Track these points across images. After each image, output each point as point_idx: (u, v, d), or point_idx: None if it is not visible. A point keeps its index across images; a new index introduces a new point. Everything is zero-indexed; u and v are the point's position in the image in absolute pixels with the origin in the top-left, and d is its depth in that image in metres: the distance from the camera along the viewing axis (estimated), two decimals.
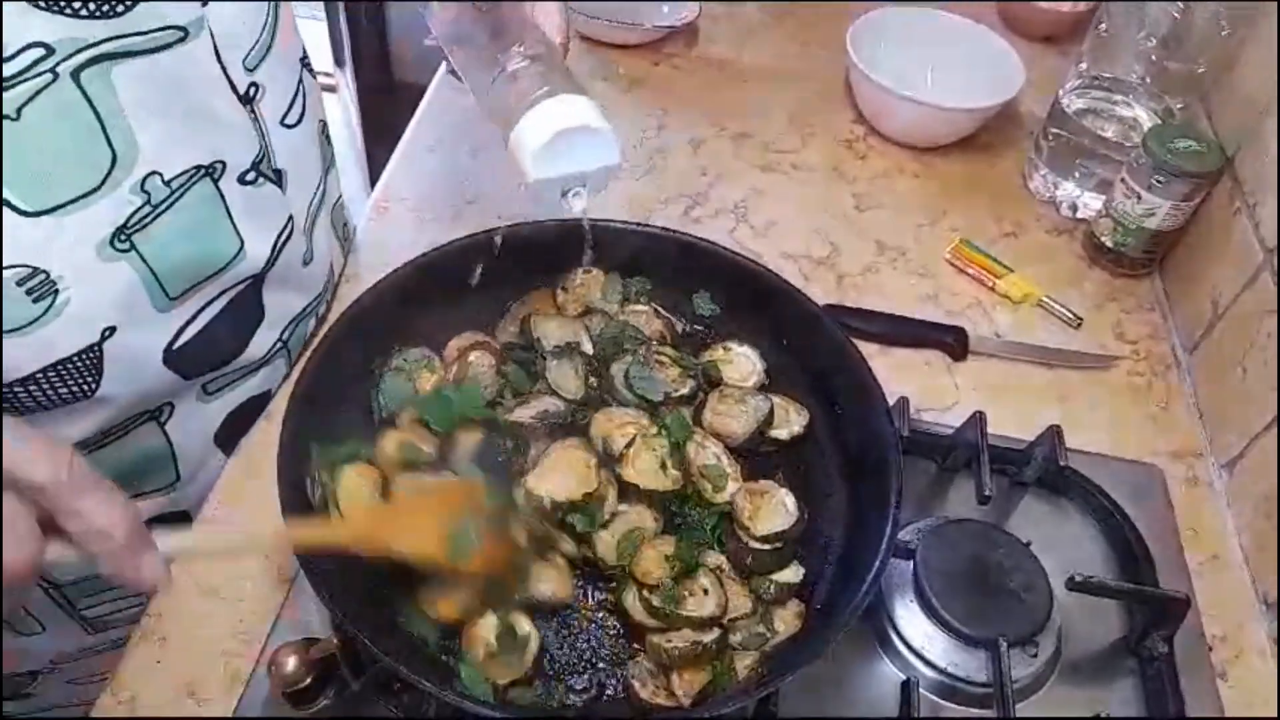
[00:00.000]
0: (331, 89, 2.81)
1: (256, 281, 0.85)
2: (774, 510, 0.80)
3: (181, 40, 0.69)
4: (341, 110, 2.67)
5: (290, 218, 0.86)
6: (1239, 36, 1.08)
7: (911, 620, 0.81)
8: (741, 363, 0.90)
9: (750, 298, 0.92)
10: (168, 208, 0.73)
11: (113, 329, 0.73)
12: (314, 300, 0.96)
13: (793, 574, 0.78)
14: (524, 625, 0.73)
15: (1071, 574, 0.81)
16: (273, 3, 0.82)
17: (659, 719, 0.69)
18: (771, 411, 0.85)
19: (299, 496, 0.73)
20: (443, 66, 1.34)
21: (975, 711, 0.79)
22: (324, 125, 0.98)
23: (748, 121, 1.32)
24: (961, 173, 1.27)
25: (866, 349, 0.91)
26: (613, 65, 1.38)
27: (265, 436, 0.91)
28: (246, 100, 0.79)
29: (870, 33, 1.29)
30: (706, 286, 0.94)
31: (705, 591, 0.75)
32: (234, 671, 0.77)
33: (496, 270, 0.90)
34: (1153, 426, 1.02)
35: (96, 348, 0.72)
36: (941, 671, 0.79)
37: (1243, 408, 0.95)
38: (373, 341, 0.85)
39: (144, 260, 0.72)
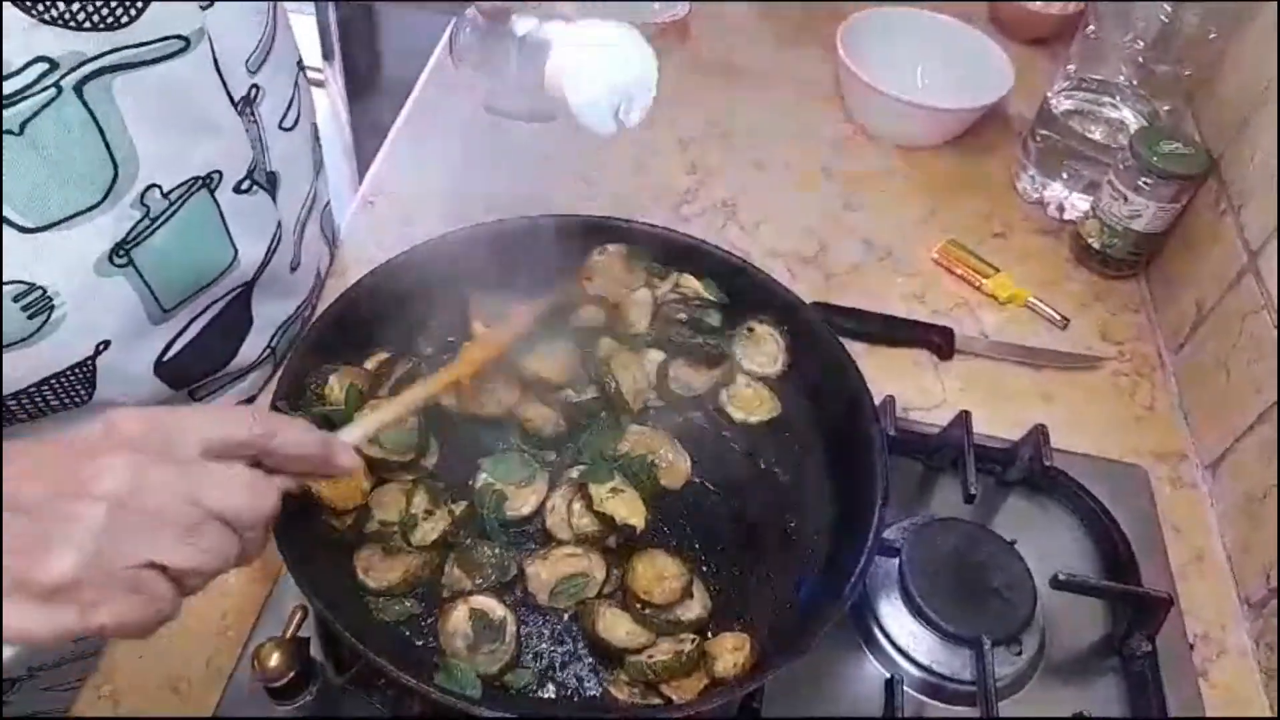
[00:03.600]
0: (320, 84, 2.80)
1: (246, 290, 0.85)
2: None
3: (183, 50, 0.68)
4: (330, 106, 2.66)
5: (279, 224, 0.85)
6: (1225, 40, 1.08)
7: (896, 618, 0.82)
8: (768, 343, 0.90)
9: (737, 295, 0.92)
10: (165, 221, 0.72)
11: (107, 343, 0.72)
12: (301, 305, 0.96)
13: None
14: (497, 610, 0.73)
15: (1055, 573, 0.81)
16: (271, 1, 0.81)
17: (641, 715, 0.69)
18: None
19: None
20: (432, 60, 1.34)
21: (959, 710, 0.79)
22: (315, 128, 0.97)
23: (737, 120, 1.32)
24: (950, 173, 1.28)
25: (853, 348, 0.91)
26: None
27: None
28: (248, 103, 0.78)
29: (860, 33, 1.30)
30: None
31: (691, 596, 0.75)
32: (217, 667, 0.77)
33: (488, 265, 0.90)
34: (1137, 427, 1.02)
35: (90, 361, 0.72)
36: (926, 670, 0.80)
37: (1226, 408, 0.96)
38: (358, 338, 0.85)
39: (140, 274, 0.72)
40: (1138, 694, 0.81)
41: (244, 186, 0.79)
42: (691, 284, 0.92)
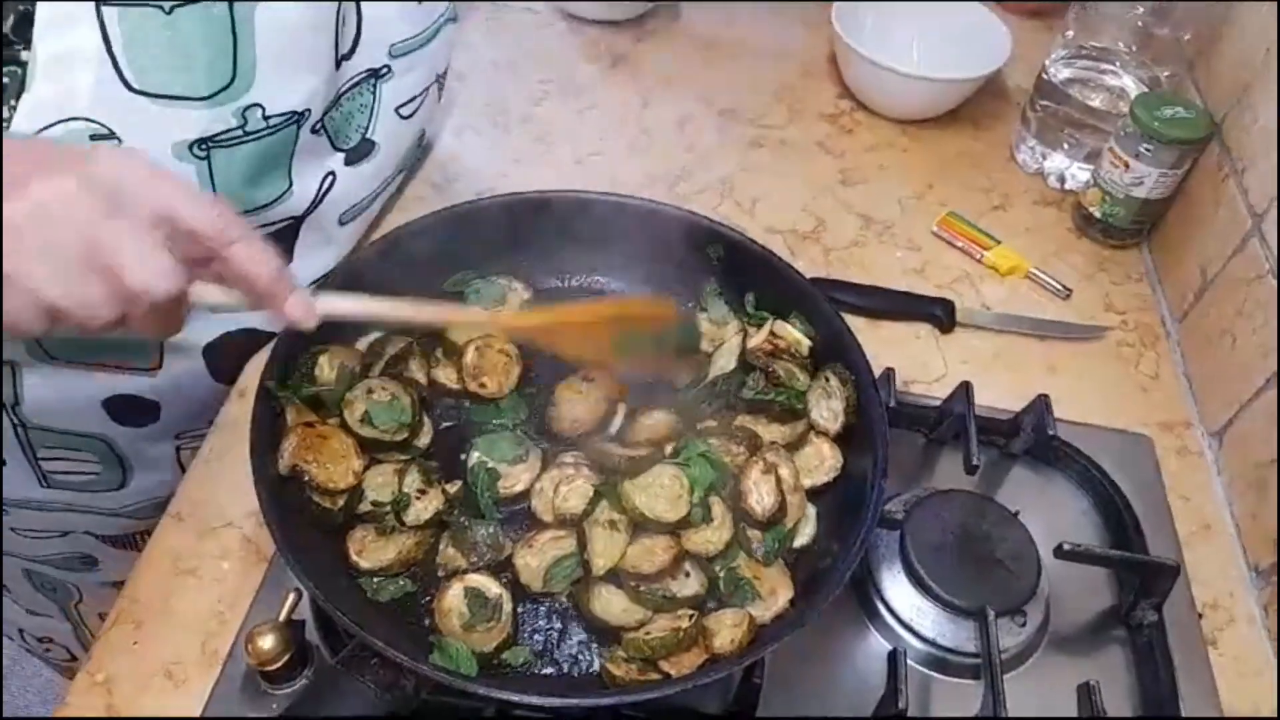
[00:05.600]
0: None
1: (295, 224, 0.89)
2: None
3: None
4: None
5: (333, 172, 0.91)
6: (1226, 4, 1.06)
7: (899, 591, 0.80)
8: (836, 396, 0.82)
9: (735, 270, 0.90)
10: (256, 138, 0.78)
11: None
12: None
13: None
14: (492, 588, 0.72)
15: (1060, 543, 0.80)
16: (443, 26, 0.95)
17: (637, 691, 0.68)
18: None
19: (272, 472, 0.73)
20: None
21: (963, 682, 0.78)
22: (423, 134, 1.07)
23: (733, 97, 1.30)
24: (949, 146, 1.26)
25: (854, 322, 0.90)
26: (596, 43, 1.36)
27: (239, 412, 0.90)
28: (374, 75, 0.89)
29: (855, 6, 1.28)
30: (695, 260, 0.92)
31: (687, 575, 0.74)
32: (211, 651, 0.76)
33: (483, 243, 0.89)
34: (1142, 396, 1.01)
35: None
36: (929, 642, 0.79)
37: (1232, 376, 0.94)
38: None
39: (211, 174, 0.77)
40: (1145, 664, 0.80)
41: (316, 128, 0.85)
42: (788, 333, 0.87)
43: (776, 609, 0.73)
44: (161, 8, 0.68)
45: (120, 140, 0.72)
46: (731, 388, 0.83)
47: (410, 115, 0.98)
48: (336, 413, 0.78)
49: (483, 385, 0.84)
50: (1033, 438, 0.91)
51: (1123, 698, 0.79)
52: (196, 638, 0.77)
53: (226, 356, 0.92)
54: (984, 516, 0.83)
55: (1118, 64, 1.16)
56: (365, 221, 1.03)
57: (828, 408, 0.82)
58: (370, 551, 0.73)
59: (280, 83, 0.77)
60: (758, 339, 0.86)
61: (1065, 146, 1.18)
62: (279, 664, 0.71)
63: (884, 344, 1.01)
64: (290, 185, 0.86)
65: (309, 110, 0.82)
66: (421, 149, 1.10)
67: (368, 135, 0.93)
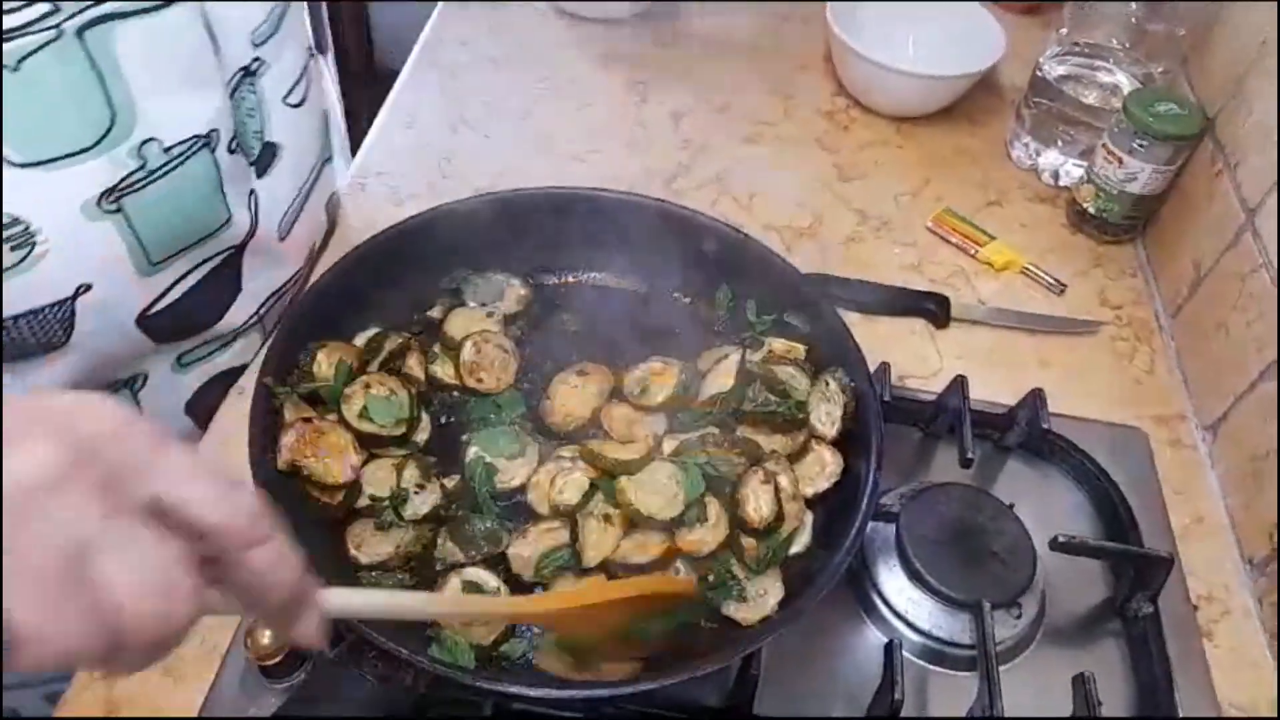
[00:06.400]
0: None
1: (236, 253, 0.85)
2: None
3: (170, 2, 0.68)
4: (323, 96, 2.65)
5: (253, 191, 0.85)
6: None
7: (894, 584, 0.81)
8: (836, 401, 0.82)
9: (730, 265, 0.91)
10: (164, 174, 0.72)
11: (88, 286, 0.72)
12: (291, 278, 0.96)
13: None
14: (490, 581, 0.72)
15: (1055, 535, 0.80)
16: None
17: (634, 683, 0.69)
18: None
19: (270, 468, 0.73)
20: (419, 41, 1.33)
21: (959, 674, 0.79)
22: (327, 116, 0.99)
23: (729, 94, 1.31)
24: (944, 143, 1.27)
25: (849, 318, 0.91)
26: (594, 40, 1.36)
27: (237, 410, 0.90)
28: (248, 73, 0.81)
29: (851, 3, 1.28)
30: (692, 255, 0.92)
31: (678, 570, 0.75)
32: (211, 646, 0.76)
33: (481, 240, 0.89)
34: (1136, 390, 1.01)
35: (69, 303, 0.72)
36: (925, 634, 0.79)
37: (1225, 369, 0.95)
38: (346, 314, 0.84)
39: (130, 224, 0.72)
40: (1140, 656, 0.80)
41: (233, 147, 0.79)
42: (784, 345, 0.87)
43: (768, 608, 0.74)
44: (7, 66, 0.61)
45: (33, 229, 0.66)
46: (730, 405, 0.82)
47: (300, 102, 0.89)
48: (334, 408, 0.78)
49: (480, 380, 0.84)
50: (1027, 431, 0.91)
51: (1118, 689, 0.79)
52: (196, 632, 0.76)
53: (208, 404, 0.91)
54: (979, 509, 0.84)
55: (1111, 60, 1.16)
56: (310, 227, 0.97)
57: (825, 412, 0.82)
58: (369, 546, 0.74)
59: (171, 109, 0.71)
60: (757, 357, 0.86)
61: (1059, 143, 1.19)
62: (278, 659, 0.71)
63: (879, 339, 1.02)
64: (230, 215, 0.80)
65: (215, 131, 0.75)
66: (333, 129, 1.03)
67: (266, 139, 0.85)
